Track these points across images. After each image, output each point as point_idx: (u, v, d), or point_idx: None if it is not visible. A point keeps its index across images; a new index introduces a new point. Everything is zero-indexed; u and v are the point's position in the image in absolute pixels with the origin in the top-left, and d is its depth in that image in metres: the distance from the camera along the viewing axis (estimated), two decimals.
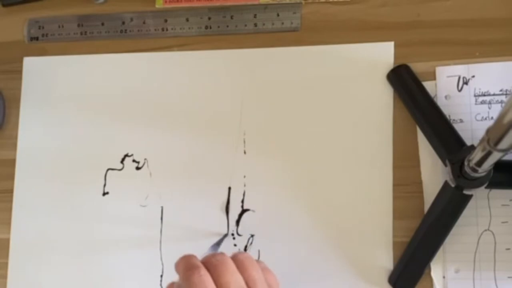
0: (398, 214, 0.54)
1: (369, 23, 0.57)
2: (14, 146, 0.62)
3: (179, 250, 0.57)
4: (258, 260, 0.46)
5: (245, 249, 0.56)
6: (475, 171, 0.46)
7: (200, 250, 0.57)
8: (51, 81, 0.62)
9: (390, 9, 0.57)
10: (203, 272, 0.42)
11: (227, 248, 0.56)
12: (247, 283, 0.43)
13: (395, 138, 0.55)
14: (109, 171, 0.60)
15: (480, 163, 0.44)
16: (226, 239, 0.56)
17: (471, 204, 0.51)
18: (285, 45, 0.58)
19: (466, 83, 0.54)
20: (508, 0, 0.55)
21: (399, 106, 0.55)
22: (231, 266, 0.43)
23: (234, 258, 0.44)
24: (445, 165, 0.51)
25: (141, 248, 0.58)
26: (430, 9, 0.56)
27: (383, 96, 0.56)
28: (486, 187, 0.49)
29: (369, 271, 0.53)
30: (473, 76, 0.54)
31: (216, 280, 0.42)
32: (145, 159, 0.59)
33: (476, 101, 0.54)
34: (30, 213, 0.61)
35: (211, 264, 0.43)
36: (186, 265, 0.43)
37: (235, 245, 0.56)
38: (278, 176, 0.56)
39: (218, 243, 0.54)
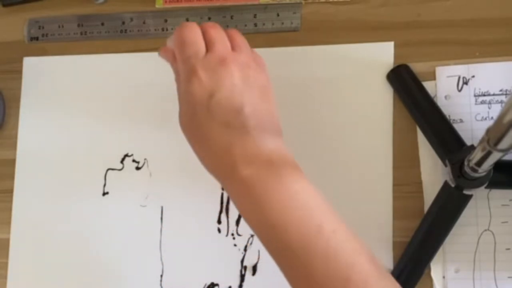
0: (398, 214, 0.54)
1: (369, 23, 0.57)
2: (14, 146, 0.62)
3: (179, 250, 0.57)
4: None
5: (245, 249, 0.56)
6: (475, 171, 0.46)
7: (200, 250, 0.57)
8: (51, 81, 0.62)
9: (390, 9, 0.57)
10: (195, 26, 0.45)
11: (228, 248, 0.56)
12: (233, 48, 0.46)
13: (395, 138, 0.55)
14: (109, 171, 0.60)
15: (480, 163, 0.44)
16: (226, 239, 0.56)
17: (471, 204, 0.51)
18: (285, 45, 0.58)
19: (466, 83, 0.54)
20: (508, 0, 0.55)
21: (399, 106, 0.55)
22: (221, 30, 0.46)
23: (225, 31, 0.47)
24: (445, 165, 0.51)
25: (141, 248, 0.58)
26: (430, 9, 0.56)
27: (383, 96, 0.55)
28: (486, 187, 0.49)
29: None
30: (473, 76, 0.54)
31: (205, 35, 0.45)
32: (145, 159, 0.59)
33: (476, 101, 0.54)
34: (30, 213, 0.60)
35: (202, 24, 0.46)
36: (181, 24, 0.46)
37: (235, 245, 0.56)
38: None
39: None
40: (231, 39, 0.46)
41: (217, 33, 0.45)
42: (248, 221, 0.42)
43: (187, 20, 0.61)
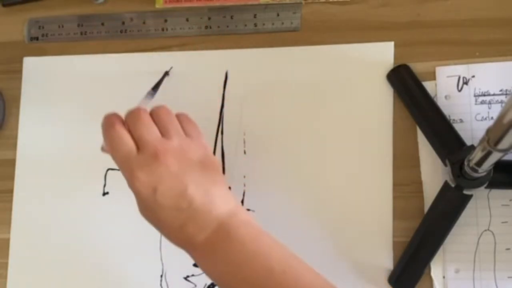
0: (398, 214, 0.54)
1: (369, 23, 0.57)
2: (14, 146, 0.62)
3: (179, 250, 0.57)
4: (181, 113, 0.50)
5: None
6: (475, 171, 0.46)
7: None
8: (51, 81, 0.62)
9: (390, 9, 0.57)
10: (119, 127, 0.47)
11: None
12: (161, 133, 0.48)
13: (395, 138, 0.55)
14: (109, 171, 0.60)
15: (480, 163, 0.44)
16: None
17: (471, 204, 0.51)
18: (285, 45, 0.58)
19: (466, 83, 0.54)
20: (508, 0, 0.55)
21: (399, 106, 0.55)
22: (146, 118, 0.47)
23: (152, 111, 0.49)
24: (445, 165, 0.51)
25: (141, 248, 0.58)
26: (430, 9, 0.56)
27: (383, 96, 0.56)
28: (486, 187, 0.50)
29: (369, 271, 0.53)
30: (473, 76, 0.54)
31: (132, 133, 0.47)
32: None
33: (476, 101, 0.54)
34: (30, 213, 0.61)
35: (127, 118, 0.48)
36: (105, 122, 0.48)
37: None
38: (278, 176, 0.56)
39: (155, 87, 0.56)
40: (157, 121, 0.48)
41: (143, 126, 0.47)
42: (212, 278, 0.47)
43: (187, 20, 0.61)
